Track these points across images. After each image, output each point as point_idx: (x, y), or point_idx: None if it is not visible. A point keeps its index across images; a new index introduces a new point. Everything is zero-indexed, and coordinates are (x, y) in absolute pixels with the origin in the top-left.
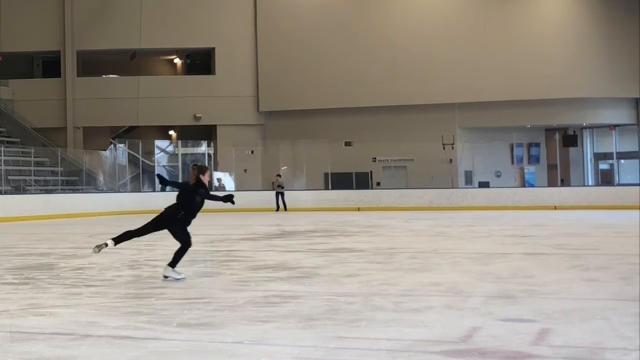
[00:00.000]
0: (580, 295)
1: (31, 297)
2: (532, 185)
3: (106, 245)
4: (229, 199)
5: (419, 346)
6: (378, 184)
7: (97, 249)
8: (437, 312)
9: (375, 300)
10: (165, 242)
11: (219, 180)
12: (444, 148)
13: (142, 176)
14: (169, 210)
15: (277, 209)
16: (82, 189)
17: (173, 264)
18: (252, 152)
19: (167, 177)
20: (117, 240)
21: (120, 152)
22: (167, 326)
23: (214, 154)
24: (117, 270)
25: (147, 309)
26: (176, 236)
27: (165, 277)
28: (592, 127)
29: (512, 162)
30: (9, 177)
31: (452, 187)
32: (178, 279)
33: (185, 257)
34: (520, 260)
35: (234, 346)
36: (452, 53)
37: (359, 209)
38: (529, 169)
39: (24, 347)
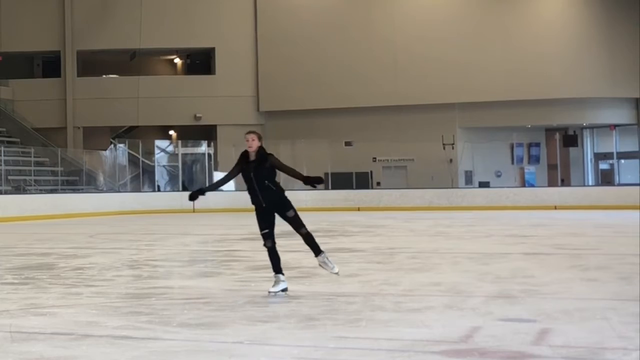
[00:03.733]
0: (580, 295)
1: (31, 297)
2: (532, 185)
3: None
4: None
5: (419, 346)
6: (378, 184)
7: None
8: (437, 312)
9: (375, 300)
10: (165, 242)
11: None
12: (444, 148)
13: (142, 176)
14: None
15: None
16: (82, 189)
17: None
18: None
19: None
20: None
21: (120, 152)
22: (167, 326)
23: (214, 153)
24: (117, 270)
25: (147, 309)
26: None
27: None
28: (592, 127)
29: (512, 162)
30: (9, 177)
31: (452, 187)
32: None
33: (185, 257)
34: (520, 260)
35: (234, 346)
36: (452, 53)
37: (359, 209)
38: (529, 169)
39: (24, 347)
